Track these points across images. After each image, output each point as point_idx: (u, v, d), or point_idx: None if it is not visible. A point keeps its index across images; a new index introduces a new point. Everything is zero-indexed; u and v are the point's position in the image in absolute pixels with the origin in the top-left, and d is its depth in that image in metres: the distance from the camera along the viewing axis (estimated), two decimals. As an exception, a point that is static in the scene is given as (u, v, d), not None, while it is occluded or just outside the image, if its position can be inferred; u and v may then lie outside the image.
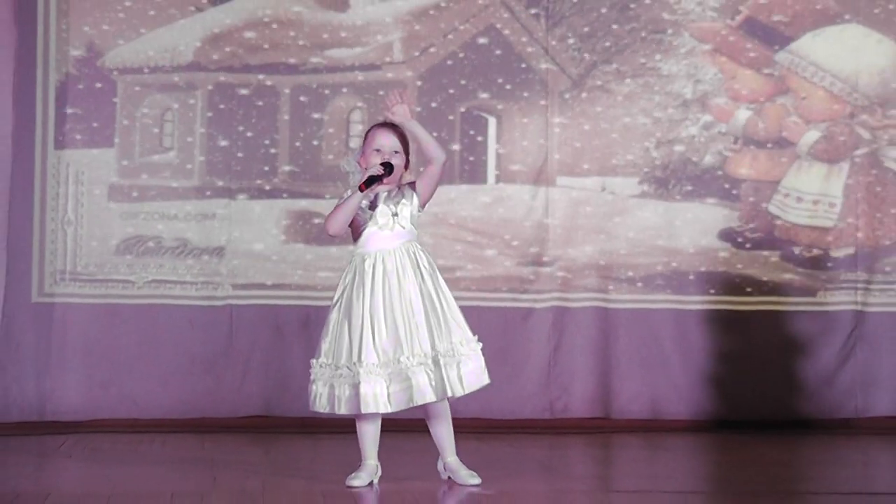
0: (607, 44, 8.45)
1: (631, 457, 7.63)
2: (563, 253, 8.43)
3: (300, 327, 8.26)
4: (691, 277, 8.47)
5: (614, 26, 8.45)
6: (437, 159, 6.18)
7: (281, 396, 8.22)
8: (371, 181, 6.08)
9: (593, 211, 8.45)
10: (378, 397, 6.02)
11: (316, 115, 8.35)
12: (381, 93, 8.30)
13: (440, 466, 6.27)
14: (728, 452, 7.69)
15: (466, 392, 6.10)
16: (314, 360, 6.15)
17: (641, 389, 8.40)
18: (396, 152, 6.19)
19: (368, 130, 6.29)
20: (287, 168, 8.33)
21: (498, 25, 8.40)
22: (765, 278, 8.50)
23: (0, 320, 8.10)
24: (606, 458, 7.67)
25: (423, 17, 8.38)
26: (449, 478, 6.22)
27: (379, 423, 6.17)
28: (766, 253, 8.52)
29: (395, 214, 6.18)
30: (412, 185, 6.25)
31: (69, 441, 7.61)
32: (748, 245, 8.50)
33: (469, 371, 6.10)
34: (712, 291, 8.47)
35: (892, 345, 8.49)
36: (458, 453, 6.25)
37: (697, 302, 8.46)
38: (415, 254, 6.17)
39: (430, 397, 6.04)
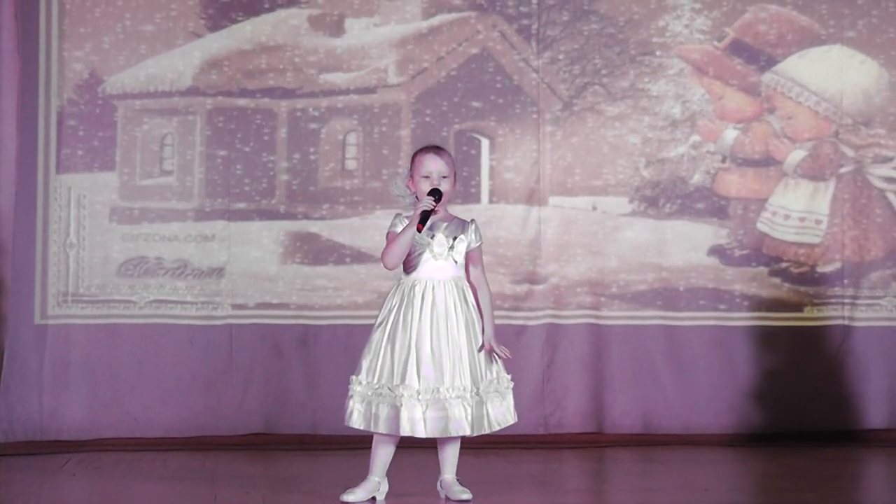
0: (597, 65, 8.52)
1: (624, 470, 7.65)
2: (555, 270, 8.46)
3: (298, 345, 8.28)
4: (681, 293, 8.51)
5: (604, 48, 8.50)
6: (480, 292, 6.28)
7: (280, 414, 8.23)
8: (426, 217, 6.07)
9: (585, 229, 8.48)
10: (415, 422, 6.04)
11: (312, 138, 8.38)
12: (375, 110, 8.41)
13: (439, 486, 6.31)
14: (719, 465, 7.69)
15: (499, 429, 6.17)
16: (353, 377, 6.15)
17: (633, 404, 8.41)
18: (444, 177, 6.17)
19: (415, 155, 6.26)
20: (284, 189, 8.36)
21: (490, 48, 8.44)
22: (753, 294, 8.56)
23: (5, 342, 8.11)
24: (600, 471, 7.68)
25: (416, 40, 8.43)
26: (445, 495, 6.25)
27: (395, 444, 6.20)
28: (754, 269, 8.55)
29: (451, 248, 6.19)
30: (473, 225, 6.26)
31: (72, 460, 7.61)
32: (737, 261, 8.54)
33: (505, 409, 6.19)
34: (702, 307, 8.49)
35: (878, 359, 8.52)
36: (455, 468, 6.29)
37: (687, 318, 8.47)
38: (463, 289, 6.19)
39: (466, 430, 6.09)
